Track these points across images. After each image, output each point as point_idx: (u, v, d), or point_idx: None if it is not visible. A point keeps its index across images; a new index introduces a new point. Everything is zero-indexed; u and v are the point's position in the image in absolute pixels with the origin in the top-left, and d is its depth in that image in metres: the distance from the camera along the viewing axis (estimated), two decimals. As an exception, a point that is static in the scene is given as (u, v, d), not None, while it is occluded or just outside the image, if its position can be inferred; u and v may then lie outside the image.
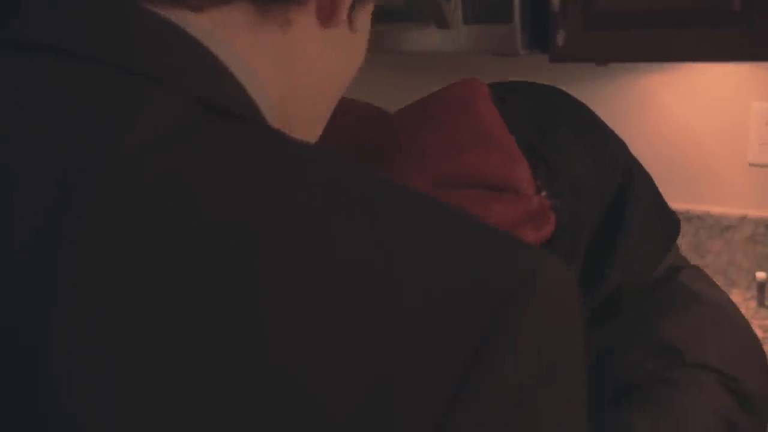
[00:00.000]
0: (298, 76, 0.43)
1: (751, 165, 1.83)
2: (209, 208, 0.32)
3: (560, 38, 1.53)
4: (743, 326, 0.87)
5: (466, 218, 0.36)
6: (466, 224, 0.36)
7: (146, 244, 0.32)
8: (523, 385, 0.32)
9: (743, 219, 1.84)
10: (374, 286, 0.32)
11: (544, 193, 0.79)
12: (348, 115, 0.79)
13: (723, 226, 1.86)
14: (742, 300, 1.79)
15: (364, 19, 0.45)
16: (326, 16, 0.42)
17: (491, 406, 0.31)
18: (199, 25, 0.38)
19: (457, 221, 0.36)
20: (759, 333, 1.34)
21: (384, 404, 0.30)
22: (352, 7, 0.43)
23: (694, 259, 1.89)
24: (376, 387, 0.30)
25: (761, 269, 1.82)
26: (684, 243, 1.91)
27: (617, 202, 0.83)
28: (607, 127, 0.88)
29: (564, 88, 0.89)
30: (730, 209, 1.86)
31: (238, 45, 0.39)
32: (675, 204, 1.92)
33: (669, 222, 0.90)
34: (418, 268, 0.32)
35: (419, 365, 0.31)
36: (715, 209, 1.88)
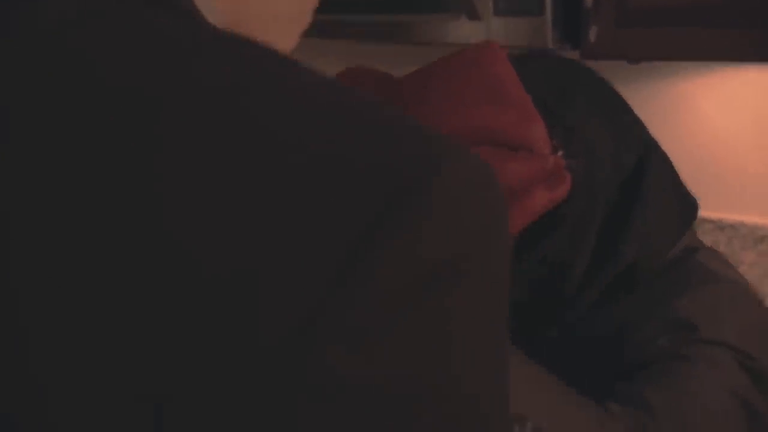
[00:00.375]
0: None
1: (787, 175, 1.77)
2: (111, 76, 0.31)
3: (592, 34, 1.50)
4: (760, 305, 0.84)
5: (381, 107, 0.34)
6: (379, 111, 0.33)
7: (44, 109, 0.31)
8: (419, 273, 0.30)
9: (778, 230, 1.79)
10: (272, 159, 0.30)
11: (560, 153, 0.77)
12: (364, 85, 0.77)
13: (757, 237, 1.81)
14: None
15: None
16: None
17: (381, 293, 0.29)
18: None
19: (370, 107, 0.34)
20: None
21: (264, 272, 0.28)
22: None
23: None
24: (261, 256, 0.28)
25: (795, 282, 1.76)
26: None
27: (634, 175, 0.81)
28: (625, 102, 0.86)
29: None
30: (765, 219, 1.81)
31: None
32: (707, 212, 1.87)
33: (686, 202, 0.87)
34: (321, 143, 0.31)
35: (308, 237, 0.29)
36: (749, 219, 1.82)
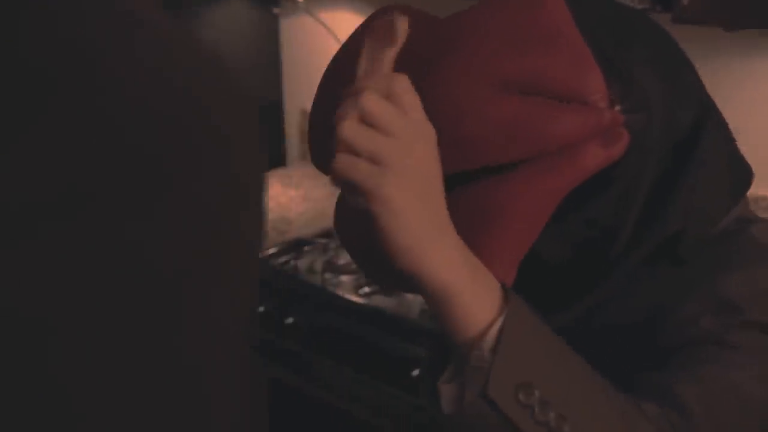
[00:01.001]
0: None
1: None
2: None
3: (686, -4, 1.40)
4: None
5: None
6: None
7: None
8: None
9: None
10: None
11: (618, 108, 0.70)
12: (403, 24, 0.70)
13: None
14: None
15: None
16: None
17: None
18: None
19: None
20: None
21: None
22: None
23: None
24: None
25: None
26: None
27: (690, 137, 0.73)
28: (687, 58, 0.77)
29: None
30: None
31: None
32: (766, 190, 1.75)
33: (741, 170, 0.79)
34: None
35: None
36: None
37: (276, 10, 2.45)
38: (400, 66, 0.66)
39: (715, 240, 0.76)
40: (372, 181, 0.60)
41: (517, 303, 0.64)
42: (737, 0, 1.36)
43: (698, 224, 0.74)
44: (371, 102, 0.61)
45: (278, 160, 2.59)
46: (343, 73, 0.71)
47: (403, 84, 0.63)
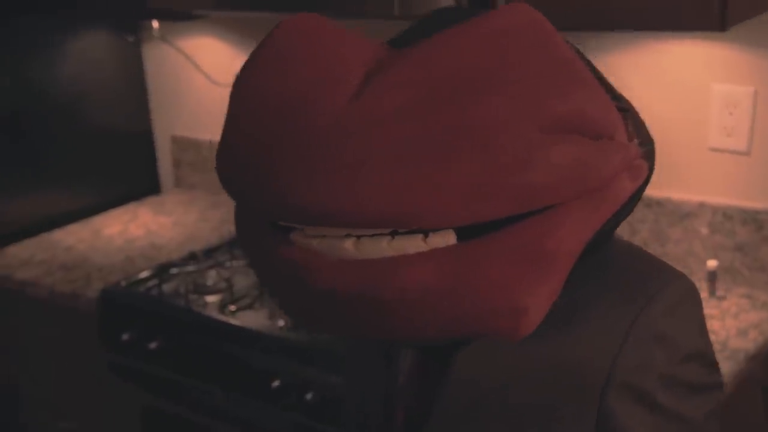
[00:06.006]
0: None
1: (711, 150, 1.76)
2: None
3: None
4: None
5: None
6: None
7: None
8: None
9: (702, 206, 1.77)
10: None
11: (636, 141, 0.73)
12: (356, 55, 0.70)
13: (683, 213, 1.80)
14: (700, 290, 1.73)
15: None
16: None
17: None
18: None
19: None
20: (709, 325, 1.27)
21: None
22: None
23: (654, 247, 1.83)
24: None
25: (719, 258, 1.75)
26: (644, 230, 1.85)
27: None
28: None
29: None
30: (691, 195, 1.79)
31: None
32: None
33: None
34: None
35: None
36: (676, 195, 1.81)
37: (130, 38, 2.44)
38: (418, 87, 0.65)
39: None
40: None
41: None
42: (552, 3, 1.44)
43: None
44: None
45: (153, 187, 2.59)
46: (272, 84, 0.69)
47: None
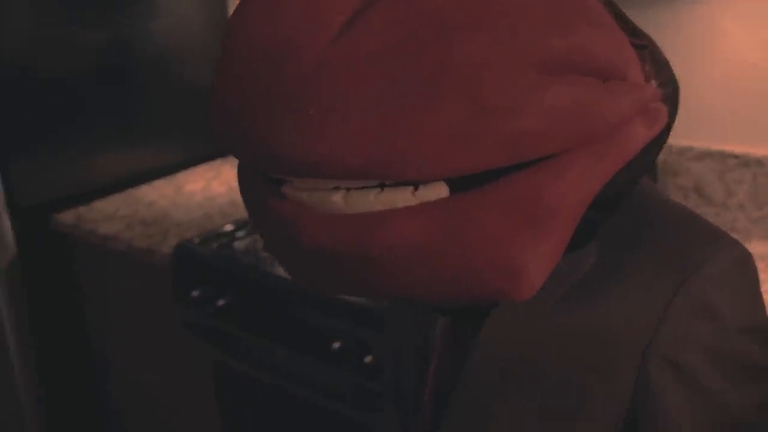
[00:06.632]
0: None
1: (818, 104, 1.59)
2: None
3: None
4: None
5: None
6: None
7: None
8: None
9: (806, 166, 1.61)
10: None
11: (654, 82, 0.65)
12: None
13: (785, 174, 1.64)
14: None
15: None
16: None
17: None
18: None
19: None
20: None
21: None
22: None
23: (750, 210, 1.68)
24: None
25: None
26: (741, 192, 1.70)
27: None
28: None
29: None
30: (794, 154, 1.63)
31: None
32: (732, 146, 1.70)
33: None
34: None
35: None
36: (777, 154, 1.65)
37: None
38: (401, 26, 0.58)
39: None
40: None
41: None
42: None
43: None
44: None
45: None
46: (259, 30, 0.64)
47: None
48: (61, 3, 2.15)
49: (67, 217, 2.18)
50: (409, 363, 0.91)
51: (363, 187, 0.63)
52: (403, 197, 0.62)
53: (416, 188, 0.62)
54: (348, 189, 0.63)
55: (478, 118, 0.57)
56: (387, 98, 0.58)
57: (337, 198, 0.63)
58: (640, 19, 1.76)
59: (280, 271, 1.74)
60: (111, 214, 2.17)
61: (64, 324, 2.29)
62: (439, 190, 0.62)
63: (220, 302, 1.78)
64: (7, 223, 2.15)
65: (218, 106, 0.68)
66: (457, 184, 0.61)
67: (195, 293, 1.83)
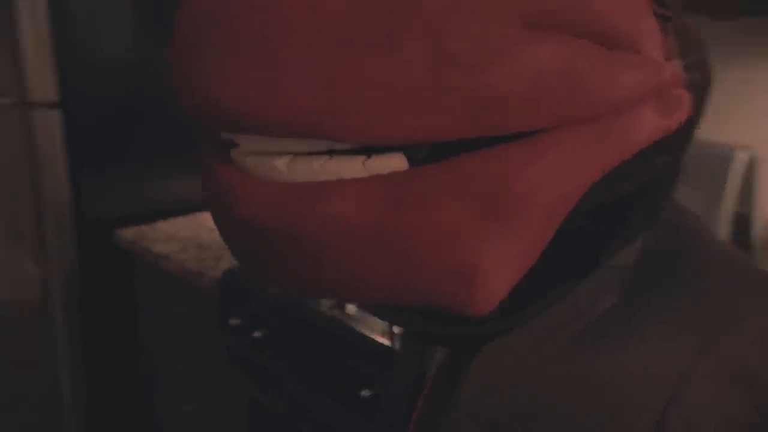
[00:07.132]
0: None
1: None
2: None
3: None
4: None
5: None
6: None
7: None
8: None
9: None
10: None
11: (678, 62, 0.52)
12: None
13: None
14: None
15: None
16: None
17: None
18: None
19: None
20: None
21: None
22: None
23: None
24: None
25: None
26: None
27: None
28: None
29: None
30: None
31: None
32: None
33: None
34: None
35: None
36: None
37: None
38: None
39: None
40: None
41: None
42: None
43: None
44: None
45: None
46: None
47: None
48: (157, 23, 2.17)
49: (129, 233, 2.16)
50: (401, 395, 0.80)
51: (311, 153, 0.52)
52: (351, 167, 0.50)
53: (368, 157, 0.50)
54: (295, 154, 0.52)
55: (440, 71, 0.45)
56: (334, 39, 0.47)
57: (280, 164, 0.53)
58: None
59: (324, 306, 1.65)
60: (171, 235, 2.14)
61: (116, 339, 2.26)
62: (395, 162, 0.50)
63: (257, 333, 1.71)
64: (72, 233, 2.15)
65: (174, 56, 0.59)
66: (420, 162, 0.50)
67: (235, 321, 1.76)
